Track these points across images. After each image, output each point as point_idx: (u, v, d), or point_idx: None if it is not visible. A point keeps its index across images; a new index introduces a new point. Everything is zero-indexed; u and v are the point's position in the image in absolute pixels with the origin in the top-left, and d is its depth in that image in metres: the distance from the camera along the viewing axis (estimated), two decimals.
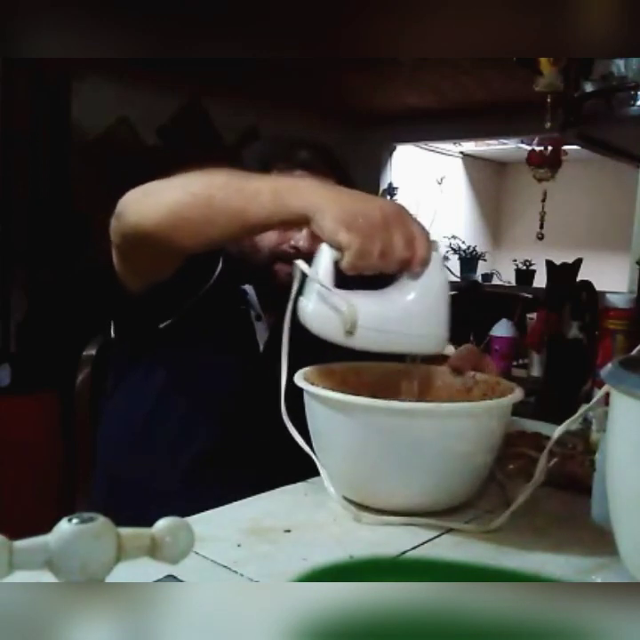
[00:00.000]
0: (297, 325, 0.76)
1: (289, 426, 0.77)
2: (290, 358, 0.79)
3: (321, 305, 0.74)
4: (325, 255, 0.74)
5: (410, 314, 0.76)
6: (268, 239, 1.02)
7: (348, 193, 0.77)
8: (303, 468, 0.81)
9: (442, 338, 0.78)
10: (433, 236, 0.77)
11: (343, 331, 0.73)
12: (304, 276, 0.75)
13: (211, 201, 0.79)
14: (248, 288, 1.08)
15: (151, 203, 0.85)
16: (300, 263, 0.75)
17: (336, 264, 0.73)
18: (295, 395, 0.78)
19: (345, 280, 0.75)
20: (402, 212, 0.75)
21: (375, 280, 0.77)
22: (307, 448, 0.77)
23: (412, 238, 0.73)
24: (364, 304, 0.75)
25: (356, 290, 0.76)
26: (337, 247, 0.72)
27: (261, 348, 1.06)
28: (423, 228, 0.76)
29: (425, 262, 0.74)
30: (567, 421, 0.73)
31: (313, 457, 0.78)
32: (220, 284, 1.04)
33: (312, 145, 1.10)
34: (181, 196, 0.82)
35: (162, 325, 1.00)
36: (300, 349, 0.78)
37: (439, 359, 0.96)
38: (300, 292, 0.76)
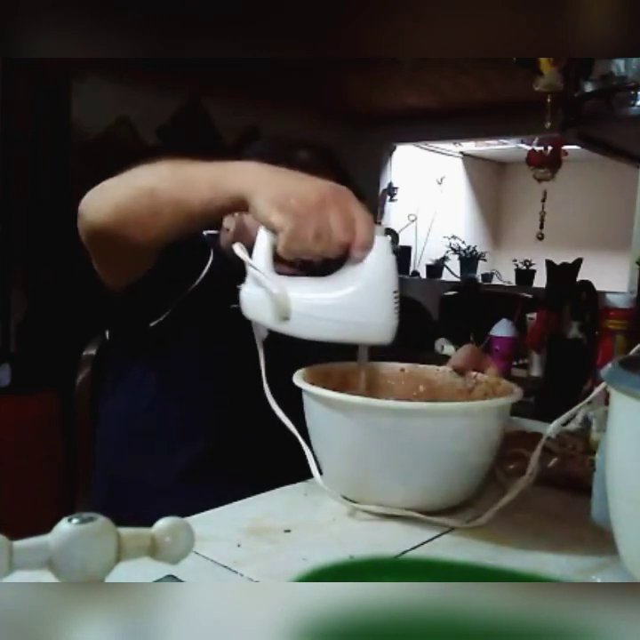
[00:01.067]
0: None
1: (275, 408, 0.77)
2: (290, 355, 0.78)
3: (255, 289, 0.73)
4: (262, 239, 0.73)
5: (350, 302, 0.73)
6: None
7: (285, 174, 0.76)
8: (303, 468, 0.81)
9: (388, 327, 0.74)
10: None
11: (277, 316, 0.72)
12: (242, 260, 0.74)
13: (154, 193, 0.80)
14: None
15: (101, 200, 0.86)
16: (237, 246, 0.74)
17: (275, 249, 0.72)
18: (295, 395, 0.78)
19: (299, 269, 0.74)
20: (342, 194, 0.73)
21: (327, 270, 0.76)
22: (305, 446, 0.77)
23: (352, 220, 0.71)
24: (303, 290, 0.73)
25: (305, 277, 0.75)
26: (271, 229, 0.71)
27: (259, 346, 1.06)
28: (365, 211, 0.73)
29: (366, 246, 0.72)
30: (561, 417, 0.73)
31: (310, 458, 0.77)
32: (214, 282, 1.03)
33: (311, 145, 1.10)
34: (127, 191, 0.83)
35: (153, 323, 1.00)
36: (299, 346, 0.77)
37: (440, 360, 0.96)
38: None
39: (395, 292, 0.74)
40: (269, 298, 0.72)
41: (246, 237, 1.03)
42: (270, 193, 0.71)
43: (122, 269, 0.95)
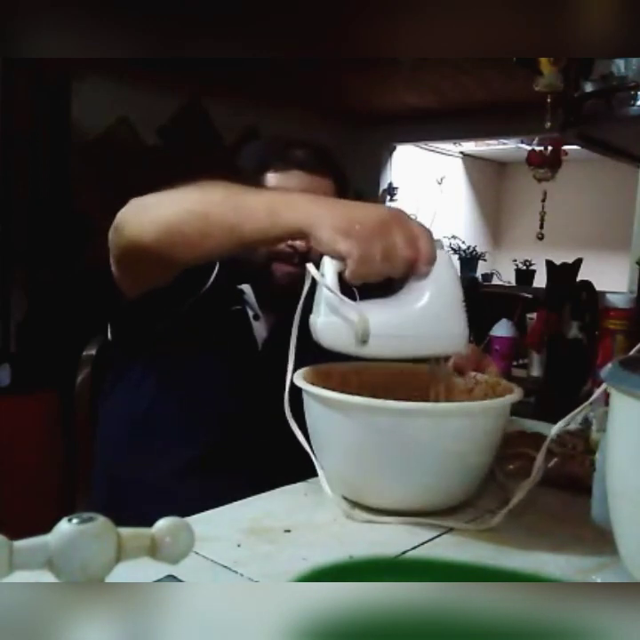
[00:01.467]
0: (300, 325, 0.76)
1: (292, 423, 0.77)
2: (286, 357, 0.78)
3: (331, 317, 0.73)
4: (329, 267, 0.73)
5: (423, 316, 0.74)
6: None
7: (343, 203, 0.77)
8: (303, 468, 0.81)
9: (461, 336, 0.76)
10: (435, 235, 0.76)
11: (356, 341, 0.72)
12: (314, 282, 0.74)
13: (207, 217, 0.80)
14: (245, 288, 1.08)
15: (149, 218, 0.85)
16: (311, 267, 0.74)
17: (341, 276, 0.72)
18: (295, 394, 0.78)
19: (355, 293, 0.74)
20: (399, 214, 0.74)
21: (386, 289, 0.76)
22: (307, 446, 0.77)
23: (414, 237, 0.72)
24: (376, 311, 0.74)
25: (367, 299, 0.76)
26: (338, 257, 0.71)
27: (260, 347, 1.06)
28: (424, 227, 0.75)
29: (431, 260, 0.73)
30: (564, 419, 0.73)
31: (312, 457, 0.78)
32: (217, 285, 1.04)
33: (308, 145, 1.10)
34: (179, 212, 0.82)
35: (158, 327, 1.00)
36: (301, 348, 0.77)
37: (440, 360, 0.96)
38: (310, 293, 0.75)
39: (463, 301, 0.76)
40: (347, 324, 0.72)
41: None
42: (332, 222, 0.72)
43: (148, 281, 0.95)
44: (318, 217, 0.73)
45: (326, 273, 0.73)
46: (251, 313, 1.07)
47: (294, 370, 0.80)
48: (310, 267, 0.74)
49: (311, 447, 0.78)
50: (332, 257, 0.72)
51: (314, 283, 0.75)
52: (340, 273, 0.72)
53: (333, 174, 1.08)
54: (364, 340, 0.72)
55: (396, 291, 0.76)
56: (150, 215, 0.85)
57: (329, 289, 0.72)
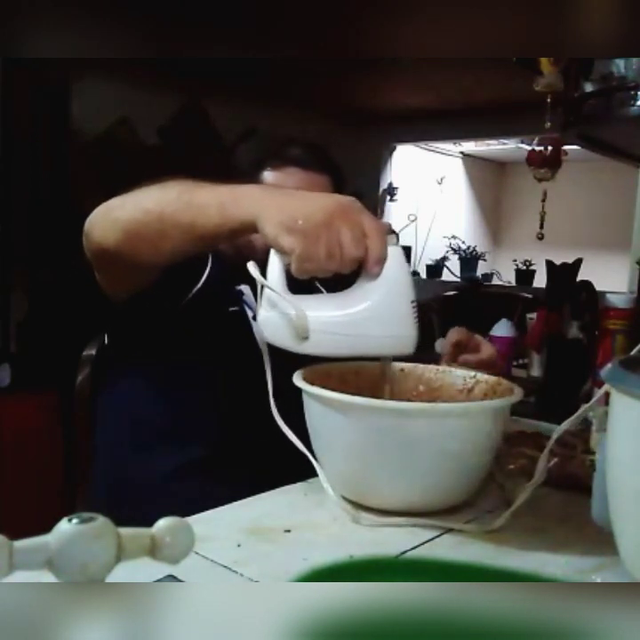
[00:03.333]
0: None
1: (280, 424, 0.77)
2: (289, 357, 0.78)
3: (272, 312, 0.73)
4: (274, 262, 0.73)
5: (366, 316, 0.73)
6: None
7: (292, 195, 0.76)
8: (303, 469, 0.81)
9: (409, 337, 0.75)
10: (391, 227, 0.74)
11: (296, 337, 0.72)
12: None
13: (162, 216, 0.80)
14: (244, 288, 1.08)
15: (109, 221, 0.86)
16: (251, 266, 0.74)
17: (288, 270, 0.72)
18: (295, 394, 0.78)
19: (312, 287, 0.74)
20: (350, 208, 0.72)
21: (344, 284, 0.76)
22: (302, 447, 0.77)
23: (363, 235, 0.70)
24: (320, 308, 0.73)
25: (319, 294, 0.75)
26: (282, 252, 0.71)
27: (260, 346, 1.06)
28: (377, 223, 0.72)
29: (379, 260, 0.71)
30: (567, 421, 0.73)
31: (310, 457, 0.77)
32: (214, 286, 1.03)
33: (305, 143, 1.10)
34: (135, 214, 0.83)
35: (153, 328, 1.00)
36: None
37: (440, 360, 0.95)
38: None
39: (412, 301, 0.74)
40: (287, 320, 0.72)
41: (243, 240, 1.03)
42: (277, 216, 0.71)
43: (126, 284, 0.95)
44: (265, 211, 0.73)
45: (272, 266, 0.73)
46: (250, 313, 1.07)
47: (294, 370, 0.80)
48: (250, 266, 0.74)
49: (311, 447, 0.78)
50: (277, 251, 0.72)
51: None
52: (287, 268, 0.72)
53: (330, 171, 1.08)
54: (303, 336, 0.72)
55: (351, 285, 0.76)
56: (110, 218, 0.86)
57: (265, 285, 0.72)
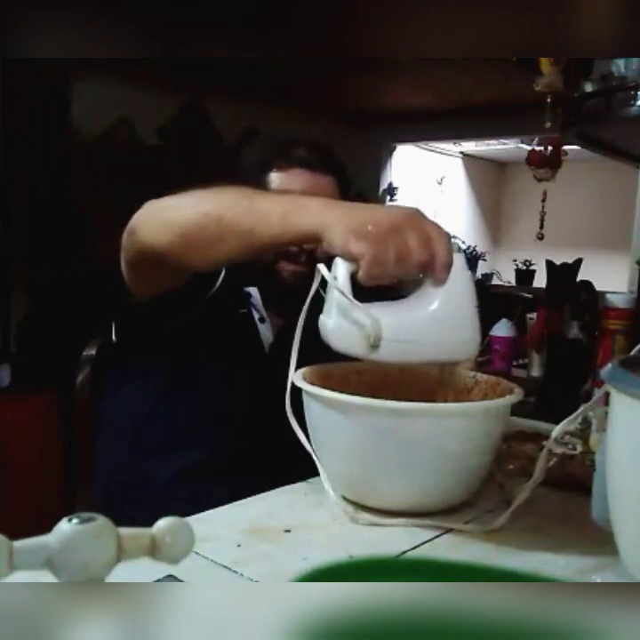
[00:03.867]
0: (305, 326, 0.76)
1: (294, 425, 0.77)
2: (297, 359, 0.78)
3: (342, 320, 0.72)
4: (341, 268, 0.72)
5: (436, 321, 0.73)
6: None
7: (356, 205, 0.76)
8: (303, 469, 0.81)
9: (473, 342, 0.75)
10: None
11: (367, 345, 0.71)
12: (324, 282, 0.73)
13: (221, 221, 0.79)
14: (252, 290, 1.08)
15: (163, 222, 0.85)
16: (323, 268, 0.73)
17: (353, 278, 0.72)
18: (296, 395, 0.78)
19: (368, 296, 0.74)
20: (415, 215, 0.73)
21: (396, 293, 0.76)
22: (310, 448, 0.77)
23: (429, 240, 0.71)
24: (388, 315, 0.73)
25: (379, 302, 0.74)
26: (350, 259, 0.71)
27: (266, 349, 1.06)
28: (440, 229, 0.73)
29: (446, 265, 0.72)
30: (565, 420, 0.73)
31: (315, 458, 0.77)
32: (226, 288, 1.03)
33: (310, 144, 1.10)
34: (193, 216, 0.82)
35: (165, 330, 1.00)
36: (307, 350, 0.77)
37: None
38: (317, 293, 0.74)
39: (476, 306, 0.75)
40: (358, 328, 0.71)
41: None
42: (345, 224, 0.71)
43: (161, 284, 0.94)
44: (331, 219, 0.73)
45: (339, 274, 0.72)
46: (256, 315, 1.07)
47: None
48: (322, 268, 0.73)
49: (311, 447, 0.78)
50: (345, 258, 0.72)
51: (320, 284, 0.74)
52: (352, 275, 0.72)
53: (335, 173, 1.08)
54: (375, 344, 0.71)
55: (409, 294, 0.75)
56: (164, 219, 0.85)
57: (341, 292, 0.71)
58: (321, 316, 0.75)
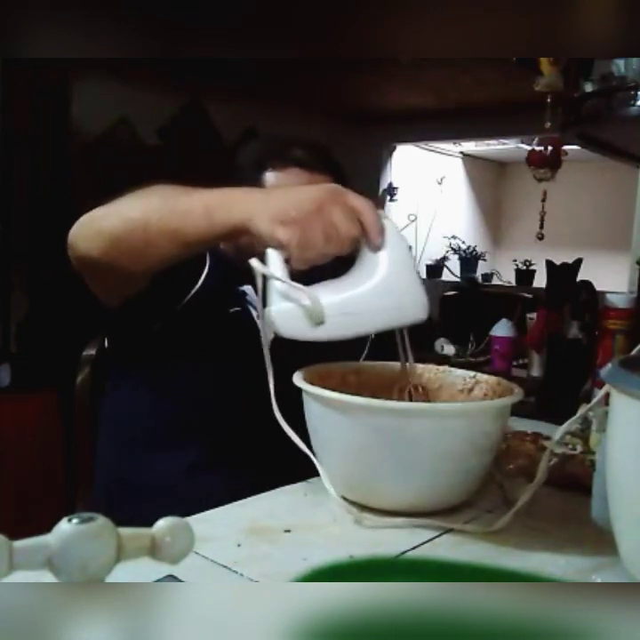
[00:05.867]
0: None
1: (283, 424, 0.77)
2: (292, 357, 0.78)
3: (283, 304, 0.73)
4: (273, 257, 0.73)
5: (380, 288, 0.73)
6: None
7: (276, 191, 0.77)
8: (303, 469, 0.81)
9: (421, 302, 0.75)
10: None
11: (312, 324, 0.72)
12: (263, 276, 0.73)
13: (147, 225, 0.80)
14: (247, 288, 1.08)
15: (93, 231, 0.86)
16: (255, 262, 0.74)
17: (288, 264, 0.72)
18: (297, 395, 0.78)
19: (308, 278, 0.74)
20: (335, 191, 0.73)
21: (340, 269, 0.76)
22: (306, 449, 0.77)
23: (354, 211, 0.71)
24: (331, 292, 0.73)
25: (323, 282, 0.75)
26: (280, 246, 0.71)
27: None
28: (365, 199, 0.73)
29: (378, 231, 0.72)
30: (568, 422, 0.73)
31: (311, 457, 0.77)
32: (214, 287, 1.03)
33: (307, 143, 1.10)
34: (121, 224, 0.83)
35: (151, 331, 0.99)
36: (301, 347, 0.77)
37: (440, 360, 0.95)
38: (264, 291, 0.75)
39: (416, 268, 0.75)
40: (299, 308, 0.72)
41: (246, 238, 1.02)
42: (268, 213, 0.72)
43: (116, 291, 0.95)
44: (253, 210, 0.73)
45: (271, 263, 0.73)
46: (254, 313, 1.07)
47: (297, 368, 0.80)
48: (254, 261, 0.73)
49: (311, 447, 0.78)
50: (275, 247, 0.72)
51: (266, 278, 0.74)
52: (286, 262, 0.72)
53: (332, 172, 1.08)
54: (319, 321, 0.71)
55: (350, 268, 0.75)
56: (96, 229, 0.86)
57: (275, 277, 0.72)
58: (265, 308, 0.75)
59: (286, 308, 0.73)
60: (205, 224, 0.77)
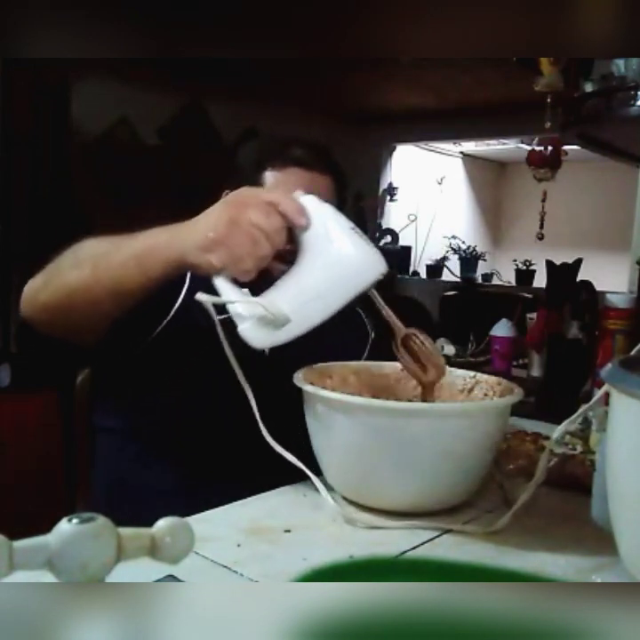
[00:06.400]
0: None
1: (271, 441, 0.77)
2: (292, 358, 0.78)
3: (246, 322, 0.73)
4: (220, 283, 0.73)
5: (327, 263, 0.73)
6: None
7: (191, 221, 0.76)
8: (302, 472, 0.81)
9: (372, 258, 0.74)
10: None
11: (279, 326, 0.72)
12: (216, 307, 0.73)
13: (88, 290, 0.81)
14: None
15: (40, 308, 0.87)
16: (201, 296, 0.73)
17: (237, 282, 0.73)
18: (295, 395, 0.78)
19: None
20: (242, 195, 0.73)
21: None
22: (297, 462, 0.77)
23: (269, 205, 0.71)
24: (283, 289, 0.74)
25: (275, 285, 0.75)
26: (216, 271, 0.72)
27: (267, 351, 1.05)
28: (273, 191, 0.75)
29: (299, 211, 0.72)
30: (567, 421, 0.73)
31: (307, 471, 0.77)
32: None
33: (307, 143, 1.09)
34: (62, 296, 0.84)
35: (135, 354, 0.98)
36: (301, 349, 0.77)
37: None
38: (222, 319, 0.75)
39: (352, 228, 0.74)
40: (261, 317, 0.72)
41: None
42: (192, 245, 0.72)
43: (83, 340, 0.95)
44: (180, 247, 0.74)
45: (220, 289, 0.73)
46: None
47: (294, 370, 0.80)
48: (200, 296, 0.73)
49: (311, 448, 0.78)
50: (214, 273, 0.72)
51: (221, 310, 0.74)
52: (234, 282, 0.73)
53: (332, 172, 1.08)
54: (284, 322, 0.72)
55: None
56: (40, 305, 0.87)
57: (223, 303, 0.72)
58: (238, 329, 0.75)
59: (251, 324, 0.73)
60: (140, 274, 0.78)
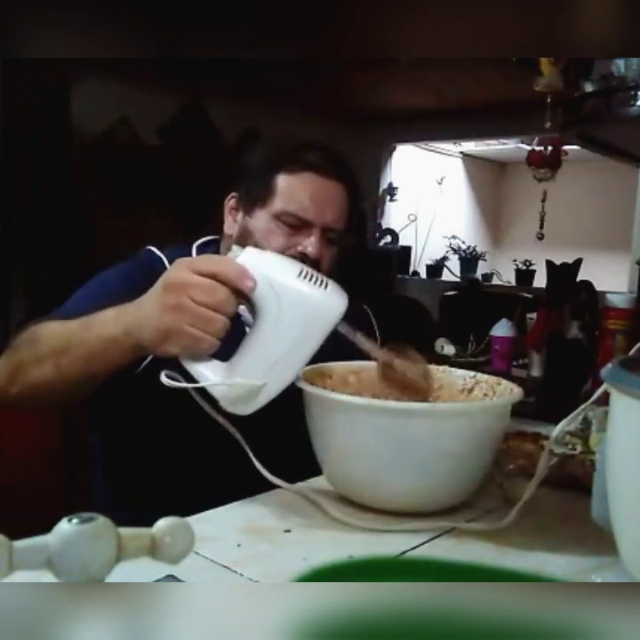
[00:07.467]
0: None
1: (265, 474, 0.78)
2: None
3: (224, 393, 0.73)
4: (188, 365, 0.73)
5: (282, 319, 0.71)
6: (275, 244, 0.98)
7: (135, 304, 0.75)
8: (303, 470, 0.81)
9: (328, 296, 0.72)
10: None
11: (256, 393, 0.72)
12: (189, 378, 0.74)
13: (55, 383, 0.82)
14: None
15: (13, 391, 0.86)
16: (166, 380, 0.72)
17: (206, 358, 0.73)
18: (295, 395, 0.78)
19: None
20: (174, 275, 0.71)
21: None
22: (281, 482, 0.78)
23: (209, 275, 0.69)
24: (247, 357, 0.73)
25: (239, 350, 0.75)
26: (180, 355, 0.72)
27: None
28: (206, 259, 0.74)
29: (242, 275, 0.70)
30: (565, 420, 0.73)
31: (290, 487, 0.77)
32: None
33: (323, 148, 1.06)
34: (29, 388, 0.85)
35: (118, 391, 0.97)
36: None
37: (440, 360, 0.95)
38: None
39: (299, 272, 0.72)
40: (238, 392, 0.72)
41: (251, 240, 1.00)
42: (146, 336, 0.72)
43: (67, 406, 0.97)
44: (136, 341, 0.74)
45: (193, 370, 0.73)
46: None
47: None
48: (164, 379, 0.72)
49: (312, 448, 0.78)
50: (181, 358, 0.73)
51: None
52: (200, 359, 0.73)
53: (346, 179, 1.05)
54: (259, 389, 0.72)
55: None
56: (11, 394, 0.86)
57: (192, 387, 0.73)
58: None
59: (229, 401, 0.74)
60: (104, 365, 0.79)
